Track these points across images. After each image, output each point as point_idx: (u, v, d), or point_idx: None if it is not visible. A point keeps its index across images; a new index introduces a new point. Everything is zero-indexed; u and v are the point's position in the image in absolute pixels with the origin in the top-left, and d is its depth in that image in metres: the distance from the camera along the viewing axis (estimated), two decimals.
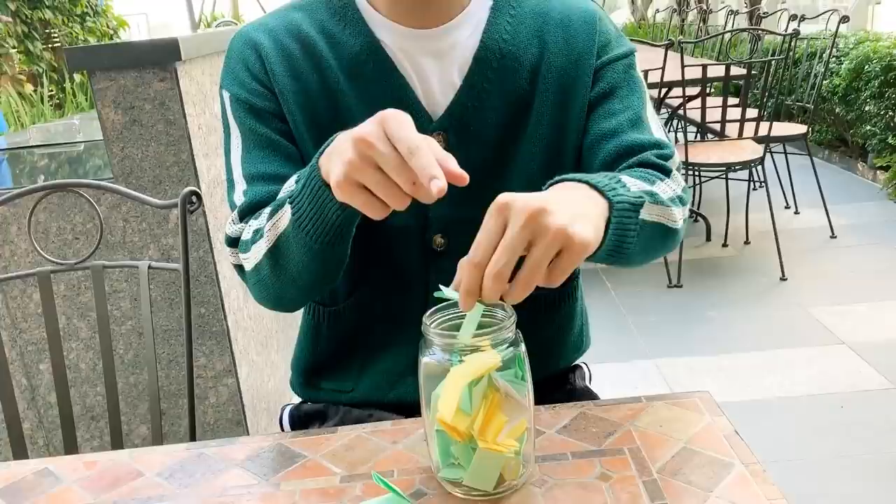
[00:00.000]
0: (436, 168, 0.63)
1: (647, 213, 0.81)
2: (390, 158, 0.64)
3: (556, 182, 0.78)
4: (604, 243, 0.75)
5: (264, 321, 2.37)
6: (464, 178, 0.65)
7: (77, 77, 5.78)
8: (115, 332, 1.99)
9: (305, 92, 0.93)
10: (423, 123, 0.94)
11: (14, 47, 5.48)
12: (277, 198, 0.84)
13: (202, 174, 1.96)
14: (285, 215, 0.81)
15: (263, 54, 0.93)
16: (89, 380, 2.04)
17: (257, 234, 0.86)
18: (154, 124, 1.88)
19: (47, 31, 6.02)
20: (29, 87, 5.51)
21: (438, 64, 0.95)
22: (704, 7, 6.75)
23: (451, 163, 0.65)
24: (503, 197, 0.67)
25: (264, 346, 2.36)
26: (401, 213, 0.97)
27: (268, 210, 0.85)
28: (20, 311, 1.98)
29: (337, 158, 0.69)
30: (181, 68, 1.90)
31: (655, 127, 0.97)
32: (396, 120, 0.66)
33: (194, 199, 1.18)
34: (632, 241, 0.79)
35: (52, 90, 5.72)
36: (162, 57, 1.86)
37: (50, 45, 6.06)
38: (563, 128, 0.97)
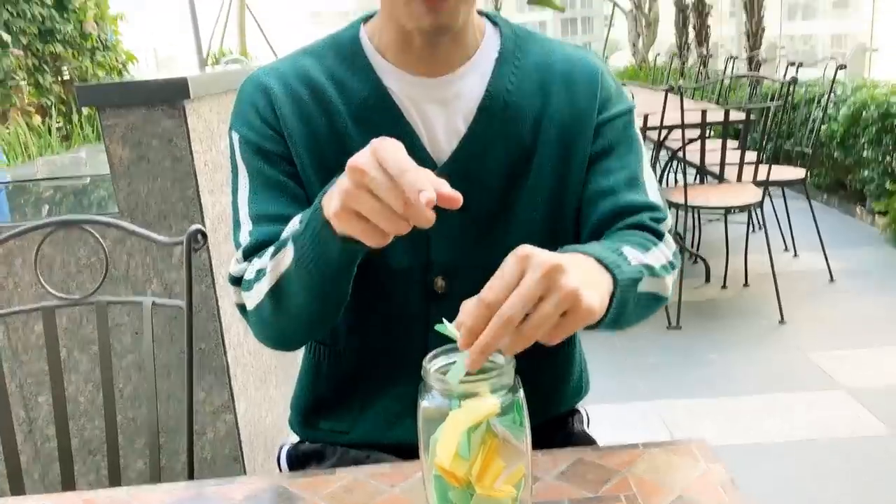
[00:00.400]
0: (425, 184, 0.64)
1: (644, 286, 0.84)
2: (381, 182, 0.66)
3: (564, 252, 0.79)
4: (606, 315, 0.77)
5: (263, 357, 2.37)
6: (457, 198, 0.66)
7: (85, 110, 5.85)
8: (115, 366, 2.00)
9: (314, 135, 0.95)
10: (428, 169, 0.96)
11: (24, 79, 5.56)
12: (280, 238, 0.86)
13: (207, 210, 1.99)
14: (287, 254, 0.82)
15: (273, 98, 0.96)
16: (87, 413, 2.03)
17: (260, 273, 0.88)
18: (161, 161, 1.91)
19: (57, 64, 6.11)
20: (37, 119, 5.57)
21: (443, 111, 0.97)
22: (704, 52, 6.86)
23: (444, 185, 0.66)
24: (524, 248, 0.68)
25: (263, 381, 2.36)
26: (402, 255, 0.99)
27: (270, 250, 0.87)
28: (21, 343, 1.99)
29: (333, 195, 0.71)
30: (189, 106, 1.93)
31: (651, 187, 1.00)
32: (387, 147, 0.67)
33: (199, 237, 1.20)
34: (629, 313, 0.83)
35: (59, 122, 5.78)
36: (171, 95, 1.89)
37: (59, 78, 6.14)
38: (565, 179, 0.99)
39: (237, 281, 0.94)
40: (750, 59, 6.71)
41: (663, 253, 0.93)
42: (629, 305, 0.81)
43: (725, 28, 14.43)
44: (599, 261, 0.79)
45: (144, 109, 1.89)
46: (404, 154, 0.67)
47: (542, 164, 0.98)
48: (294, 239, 0.81)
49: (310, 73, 0.97)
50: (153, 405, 1.21)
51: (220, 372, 2.00)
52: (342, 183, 0.69)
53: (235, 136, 0.97)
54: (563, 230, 1.00)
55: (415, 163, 0.67)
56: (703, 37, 8.77)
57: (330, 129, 0.95)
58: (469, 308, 0.67)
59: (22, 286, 1.95)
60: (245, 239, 0.93)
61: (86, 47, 6.36)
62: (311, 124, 0.95)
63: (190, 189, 1.92)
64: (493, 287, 0.66)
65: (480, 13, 1.02)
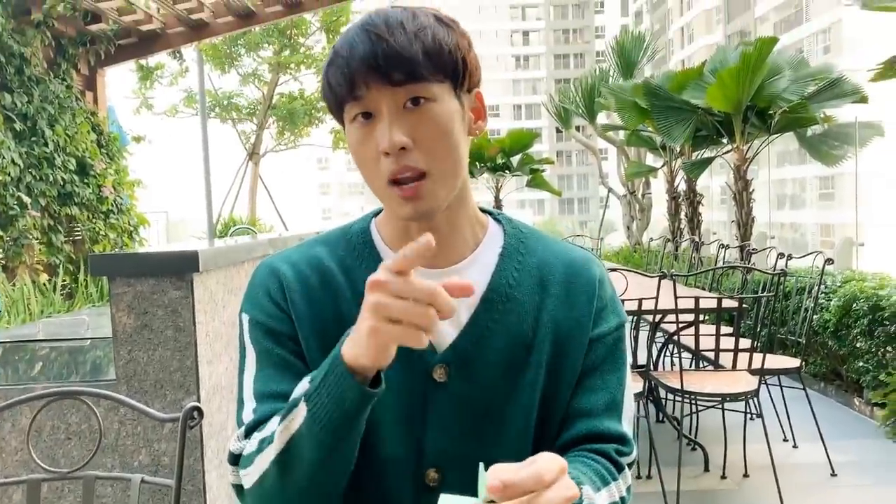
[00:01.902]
0: (434, 283, 0.76)
1: None
2: (403, 284, 0.76)
3: None
4: None
5: None
6: (469, 287, 0.77)
7: None
8: None
9: (320, 318, 0.99)
10: (428, 356, 0.98)
11: (37, 239, 5.71)
12: (289, 401, 0.88)
13: (203, 381, 2.00)
14: (299, 414, 0.85)
15: (285, 283, 1.00)
16: None
17: (264, 442, 0.89)
18: (164, 330, 1.95)
19: (71, 225, 6.30)
20: (44, 277, 5.67)
21: None
22: (697, 239, 7.12)
23: (452, 277, 0.78)
24: (564, 462, 0.76)
25: None
26: (395, 445, 0.99)
27: (277, 417, 0.88)
28: None
29: (360, 324, 0.80)
30: (197, 279, 2.00)
31: (626, 412, 1.04)
32: (388, 264, 0.77)
33: (195, 414, 1.21)
34: None
35: (65, 280, 5.88)
36: (181, 267, 1.96)
37: (71, 238, 6.31)
38: (556, 384, 1.02)
39: (236, 459, 0.94)
40: (741, 248, 6.93)
41: (618, 489, 0.97)
42: None
43: (717, 214, 15.00)
44: None
45: (153, 280, 1.95)
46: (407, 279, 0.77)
47: (541, 360, 1.01)
48: (307, 397, 0.84)
49: (321, 260, 1.03)
50: None
51: None
52: (365, 310, 0.78)
53: (245, 319, 1.01)
54: (549, 434, 1.02)
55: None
56: (695, 224, 9.11)
57: (335, 312, 0.99)
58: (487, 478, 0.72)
59: (7, 452, 1.92)
60: (248, 416, 0.95)
61: (101, 210, 6.59)
62: (319, 307, 0.99)
63: (189, 359, 1.95)
64: (519, 480, 0.72)
65: (483, 210, 1.09)
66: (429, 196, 0.93)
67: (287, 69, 14.54)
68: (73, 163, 6.23)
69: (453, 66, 0.93)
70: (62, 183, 6.09)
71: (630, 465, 1.02)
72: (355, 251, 1.03)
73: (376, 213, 1.09)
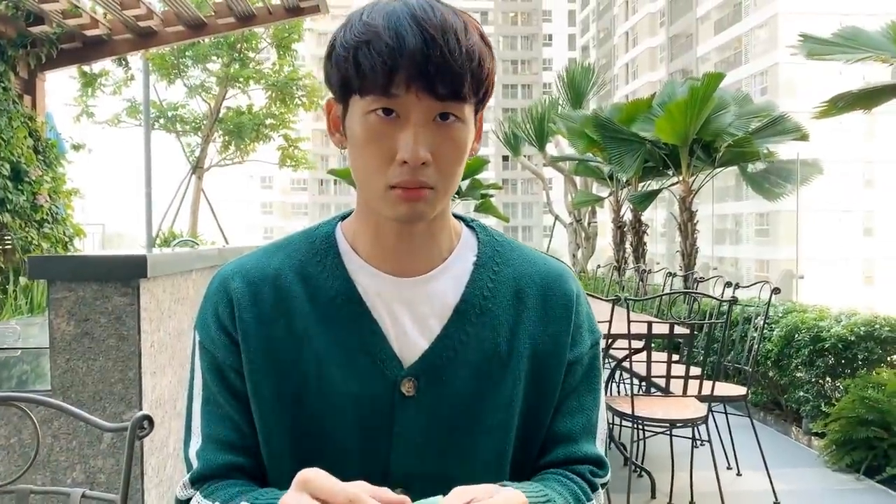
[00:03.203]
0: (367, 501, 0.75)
1: None
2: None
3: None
4: None
5: None
6: (404, 502, 0.77)
7: (22, 280, 5.70)
8: None
9: (270, 339, 0.94)
10: (394, 370, 0.93)
11: None
12: None
13: (146, 393, 1.88)
14: None
15: (235, 300, 0.95)
16: None
17: None
18: (106, 338, 1.83)
19: (2, 233, 6.02)
20: None
21: (414, 312, 0.95)
22: (643, 267, 7.22)
23: (386, 492, 0.76)
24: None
25: None
26: (357, 462, 0.93)
27: None
28: None
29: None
30: (144, 285, 1.89)
31: (601, 433, 1.03)
32: (314, 480, 0.77)
33: (146, 424, 1.11)
34: None
35: None
36: (127, 272, 1.85)
37: (1, 247, 6.03)
38: (538, 404, 0.98)
39: (185, 502, 0.95)
40: (685, 277, 7.05)
41: None
42: None
43: (658, 246, 15.34)
44: None
45: (97, 285, 1.84)
46: (333, 481, 0.77)
47: (517, 377, 0.96)
48: None
49: (278, 271, 0.97)
50: None
51: None
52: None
53: (197, 337, 0.98)
54: (529, 457, 1.00)
55: (344, 485, 0.76)
56: (639, 253, 9.26)
57: (288, 332, 0.94)
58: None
59: None
60: (194, 459, 0.95)
61: (35, 219, 6.31)
62: (270, 327, 0.94)
63: (132, 370, 1.83)
64: None
65: (457, 217, 1.04)
66: (427, 205, 0.89)
67: (236, 83, 14.33)
68: (7, 168, 5.96)
69: (485, 91, 0.90)
70: None
71: (604, 486, 1.01)
72: (317, 256, 0.97)
73: (343, 217, 1.03)
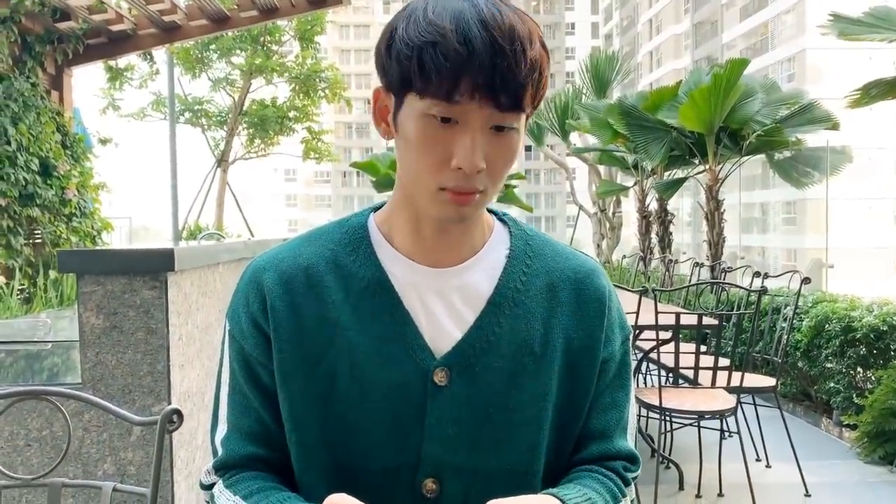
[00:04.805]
0: None
1: None
2: None
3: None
4: None
5: None
6: None
7: (52, 273, 5.77)
8: None
9: (301, 328, 0.94)
10: (427, 359, 0.93)
11: None
12: None
13: (175, 386, 1.89)
14: None
15: (266, 290, 0.95)
16: None
17: None
18: (135, 332, 1.84)
19: (32, 227, 6.10)
20: (1, 280, 5.46)
21: (447, 302, 0.95)
22: (669, 257, 7.14)
23: None
24: None
25: None
26: (389, 451, 0.93)
27: None
28: None
29: None
30: (172, 278, 1.90)
31: (631, 429, 1.03)
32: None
33: (175, 418, 1.12)
34: None
35: (24, 284, 5.68)
36: (155, 266, 1.86)
37: (31, 241, 6.11)
38: (573, 402, 0.98)
39: (209, 487, 0.97)
40: (712, 267, 6.97)
41: None
42: None
43: (685, 235, 15.17)
44: None
45: (125, 279, 1.85)
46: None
47: (551, 372, 0.96)
48: None
49: (310, 261, 0.96)
50: None
51: None
52: None
53: (227, 326, 0.99)
54: (563, 455, 1.00)
55: None
56: (665, 243, 9.17)
57: (320, 320, 0.94)
58: None
59: None
60: (219, 446, 0.97)
61: (63, 213, 6.39)
62: (302, 317, 0.94)
63: (161, 363, 1.84)
64: None
65: (488, 210, 1.03)
66: (474, 208, 0.90)
67: (261, 74, 14.38)
68: (36, 163, 6.03)
69: (538, 100, 0.89)
70: (24, 183, 5.89)
71: (634, 480, 1.01)
72: (350, 246, 0.97)
73: (375, 209, 1.03)
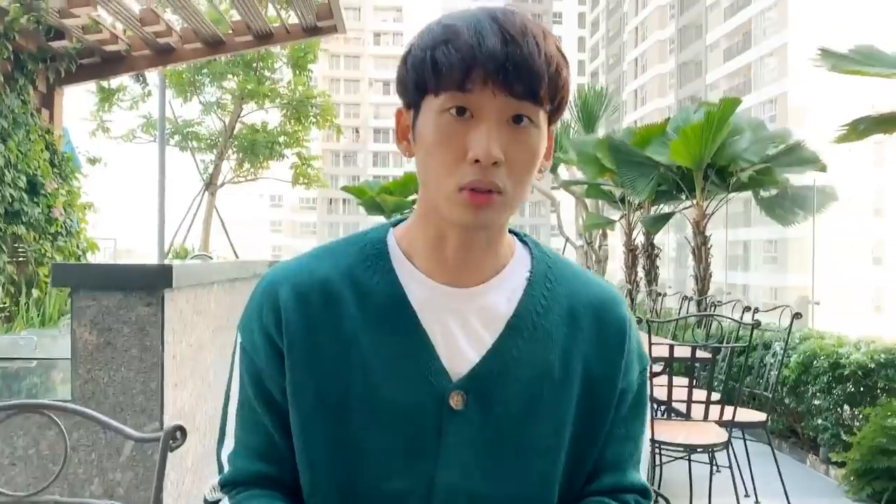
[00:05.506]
0: None
1: None
2: None
3: None
4: None
5: None
6: None
7: (35, 293, 5.68)
8: None
9: (316, 345, 0.91)
10: (442, 382, 0.90)
11: None
12: None
13: (167, 406, 1.85)
14: None
15: (281, 304, 0.93)
16: None
17: None
18: (129, 349, 1.80)
19: (16, 245, 6.02)
20: None
21: (466, 323, 0.93)
22: (658, 290, 7.16)
23: None
24: None
25: None
26: (401, 477, 0.90)
27: None
28: None
29: None
30: (168, 296, 1.86)
31: (644, 461, 1.02)
32: None
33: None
34: None
35: (5, 302, 5.58)
36: (152, 282, 1.83)
37: (15, 259, 6.02)
38: (590, 431, 0.96)
39: None
40: (698, 302, 7.00)
41: None
42: None
43: (669, 271, 15.26)
44: None
45: (120, 295, 1.81)
46: None
47: (570, 399, 0.94)
48: None
49: (326, 275, 0.94)
50: None
51: None
52: None
53: (239, 338, 0.97)
54: (576, 485, 0.97)
55: None
56: (651, 276, 9.21)
57: (335, 336, 0.91)
58: None
59: None
60: (225, 462, 0.95)
61: (49, 231, 6.32)
62: (316, 332, 0.92)
63: (154, 382, 1.80)
64: None
65: (511, 232, 1.02)
66: (494, 212, 0.88)
67: (252, 99, 14.41)
68: (24, 180, 5.97)
69: (559, 101, 0.89)
70: (10, 200, 5.82)
71: None
72: (367, 261, 0.95)
73: (395, 224, 1.00)
